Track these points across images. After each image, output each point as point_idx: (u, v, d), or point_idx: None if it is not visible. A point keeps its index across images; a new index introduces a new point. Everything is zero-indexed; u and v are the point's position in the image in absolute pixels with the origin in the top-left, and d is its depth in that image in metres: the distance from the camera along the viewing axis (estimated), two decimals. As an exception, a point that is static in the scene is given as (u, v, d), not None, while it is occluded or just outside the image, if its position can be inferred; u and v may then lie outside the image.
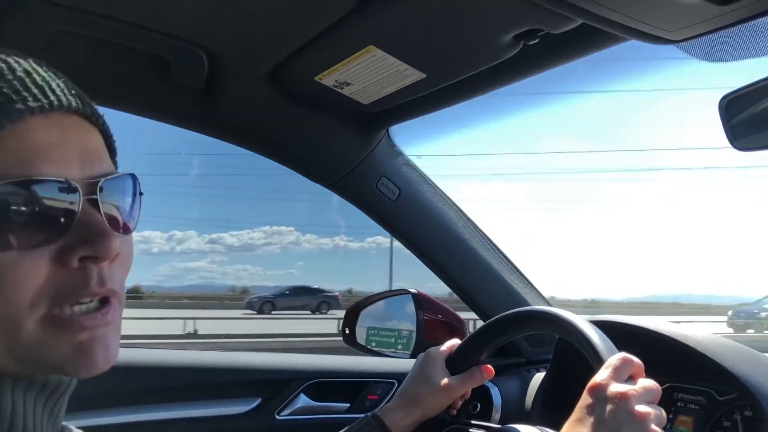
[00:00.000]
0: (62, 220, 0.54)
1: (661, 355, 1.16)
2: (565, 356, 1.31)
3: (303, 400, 1.52)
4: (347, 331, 1.63)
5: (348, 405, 1.55)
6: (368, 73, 1.12)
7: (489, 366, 1.16)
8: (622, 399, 0.78)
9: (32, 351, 0.54)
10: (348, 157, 1.43)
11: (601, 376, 0.83)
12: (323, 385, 1.55)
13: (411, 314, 1.49)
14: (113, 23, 1.04)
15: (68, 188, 0.55)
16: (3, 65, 0.56)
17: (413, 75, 1.11)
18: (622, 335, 0.98)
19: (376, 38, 1.02)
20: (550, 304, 1.58)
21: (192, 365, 1.49)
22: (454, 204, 1.56)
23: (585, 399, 0.83)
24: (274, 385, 1.52)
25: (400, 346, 1.55)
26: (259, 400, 1.50)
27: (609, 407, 0.79)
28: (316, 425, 1.51)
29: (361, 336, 1.63)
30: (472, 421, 1.19)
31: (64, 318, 0.55)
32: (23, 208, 0.52)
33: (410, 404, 1.12)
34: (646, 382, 0.83)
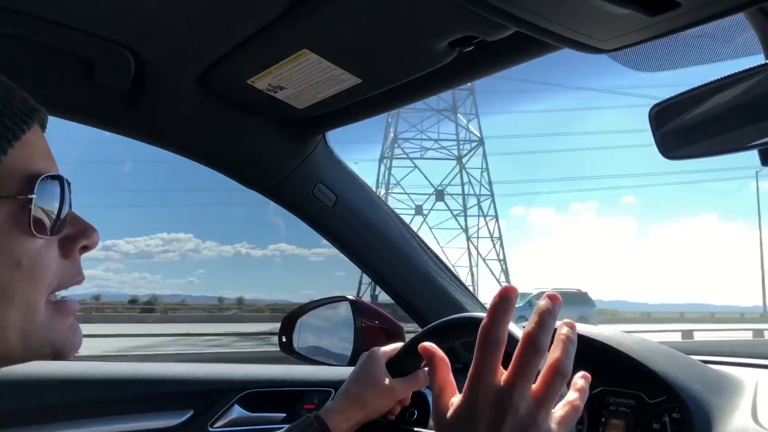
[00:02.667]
0: (65, 213, 0.61)
1: (593, 359, 1.18)
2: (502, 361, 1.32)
3: (237, 412, 1.48)
4: (284, 339, 1.60)
5: (284, 415, 1.52)
6: (302, 77, 1.10)
7: None
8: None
9: (42, 332, 0.59)
10: (283, 163, 1.40)
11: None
12: (258, 395, 1.51)
13: (349, 321, 1.47)
14: (31, 20, 0.98)
15: (69, 186, 0.62)
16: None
17: (348, 80, 1.09)
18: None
19: (310, 42, 0.99)
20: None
21: (119, 377, 1.43)
22: (392, 210, 1.55)
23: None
24: (207, 397, 1.47)
25: (337, 354, 1.53)
26: (191, 412, 1.45)
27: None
28: None
29: (298, 344, 1.60)
30: (413, 428, 1.18)
31: (61, 302, 0.61)
32: (53, 204, 0.59)
33: (353, 405, 1.11)
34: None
